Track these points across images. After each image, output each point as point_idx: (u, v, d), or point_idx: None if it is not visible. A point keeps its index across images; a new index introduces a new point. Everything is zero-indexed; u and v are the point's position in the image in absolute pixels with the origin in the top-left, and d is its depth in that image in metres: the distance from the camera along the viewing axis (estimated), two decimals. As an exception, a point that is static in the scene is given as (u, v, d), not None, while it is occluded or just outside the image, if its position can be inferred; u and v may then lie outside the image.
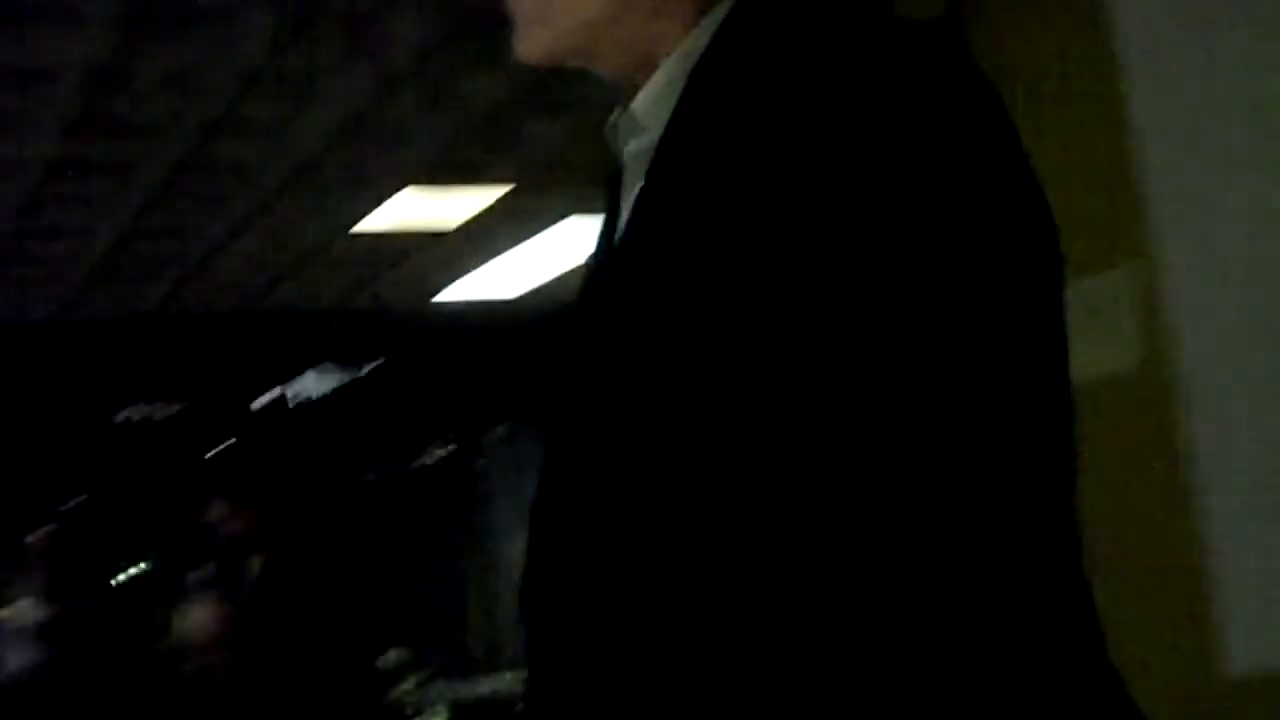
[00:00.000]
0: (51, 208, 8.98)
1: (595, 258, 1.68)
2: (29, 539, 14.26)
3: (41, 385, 12.56)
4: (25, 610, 13.85)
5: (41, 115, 7.50)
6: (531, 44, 1.73)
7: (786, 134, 1.40)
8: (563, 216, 10.00)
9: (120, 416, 14.02)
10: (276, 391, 14.46)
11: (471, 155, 8.68)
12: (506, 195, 9.40)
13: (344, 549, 14.14)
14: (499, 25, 5.35)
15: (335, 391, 14.62)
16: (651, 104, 1.63)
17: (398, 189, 9.11)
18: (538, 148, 8.66)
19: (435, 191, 9.23)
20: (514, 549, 13.91)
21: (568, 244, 10.61)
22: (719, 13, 1.60)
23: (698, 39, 1.59)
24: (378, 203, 9.35)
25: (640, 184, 1.57)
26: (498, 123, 8.21)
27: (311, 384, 14.44)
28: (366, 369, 14.59)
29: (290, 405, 14.43)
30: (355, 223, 9.78)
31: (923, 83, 1.42)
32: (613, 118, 1.69)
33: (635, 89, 1.66)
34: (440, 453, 15.13)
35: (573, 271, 11.32)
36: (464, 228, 10.03)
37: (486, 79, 7.65)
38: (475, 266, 11.23)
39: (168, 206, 9.09)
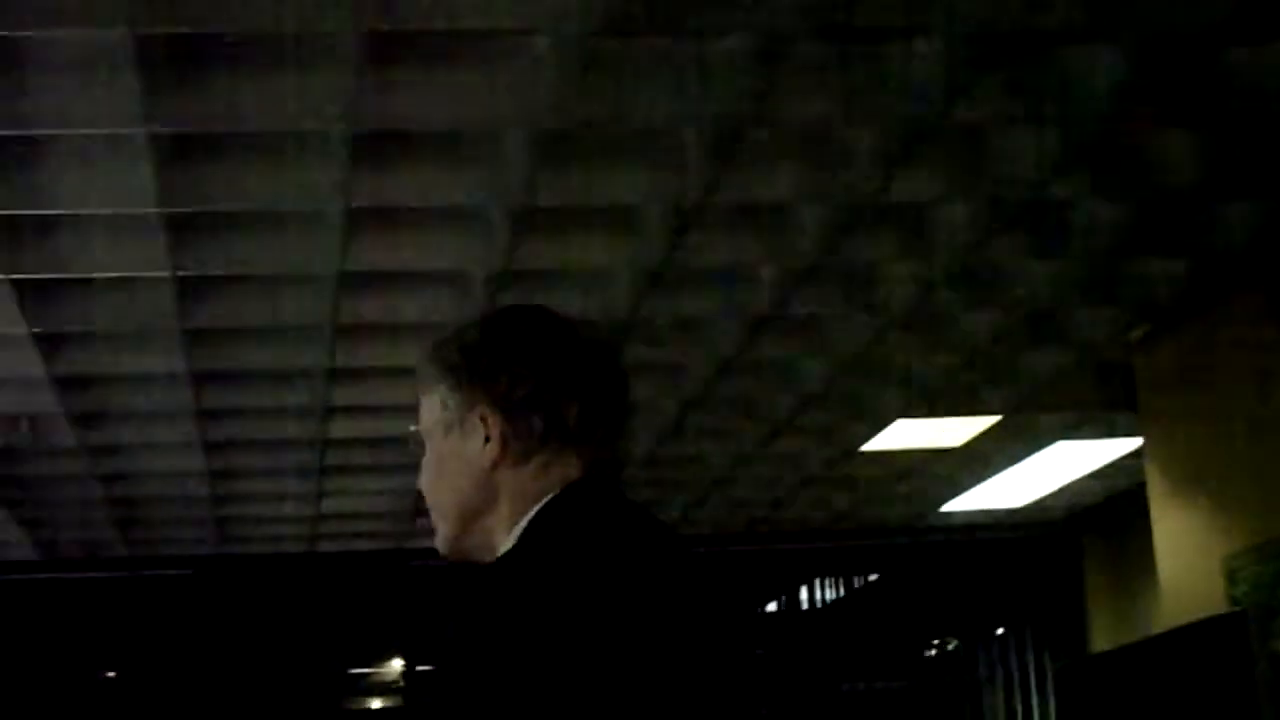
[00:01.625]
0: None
1: None
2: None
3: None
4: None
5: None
6: (438, 545, 2.57)
7: (490, 635, 2.24)
8: (1050, 442, 10.28)
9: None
10: (781, 602, 14.89)
11: (966, 386, 9.05)
12: (997, 423, 9.72)
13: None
14: (993, 267, 5.80)
15: (837, 602, 15.00)
16: None
17: (895, 419, 9.52)
18: (1027, 379, 8.97)
19: (930, 421, 9.60)
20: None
21: (1055, 466, 10.87)
22: (519, 528, 2.44)
23: (514, 536, 2.43)
24: (874, 432, 9.79)
25: None
26: (992, 356, 8.58)
27: (820, 594, 14.85)
28: (865, 580, 14.94)
29: (798, 615, 14.84)
30: (853, 451, 10.24)
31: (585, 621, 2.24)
32: None
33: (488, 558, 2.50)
34: (940, 660, 15.30)
35: (1062, 490, 11.56)
36: (955, 452, 10.38)
37: (982, 315, 8.04)
38: (965, 489, 11.56)
39: (684, 439, 9.68)
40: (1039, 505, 12.19)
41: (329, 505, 11.18)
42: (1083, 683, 8.87)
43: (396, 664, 16.02)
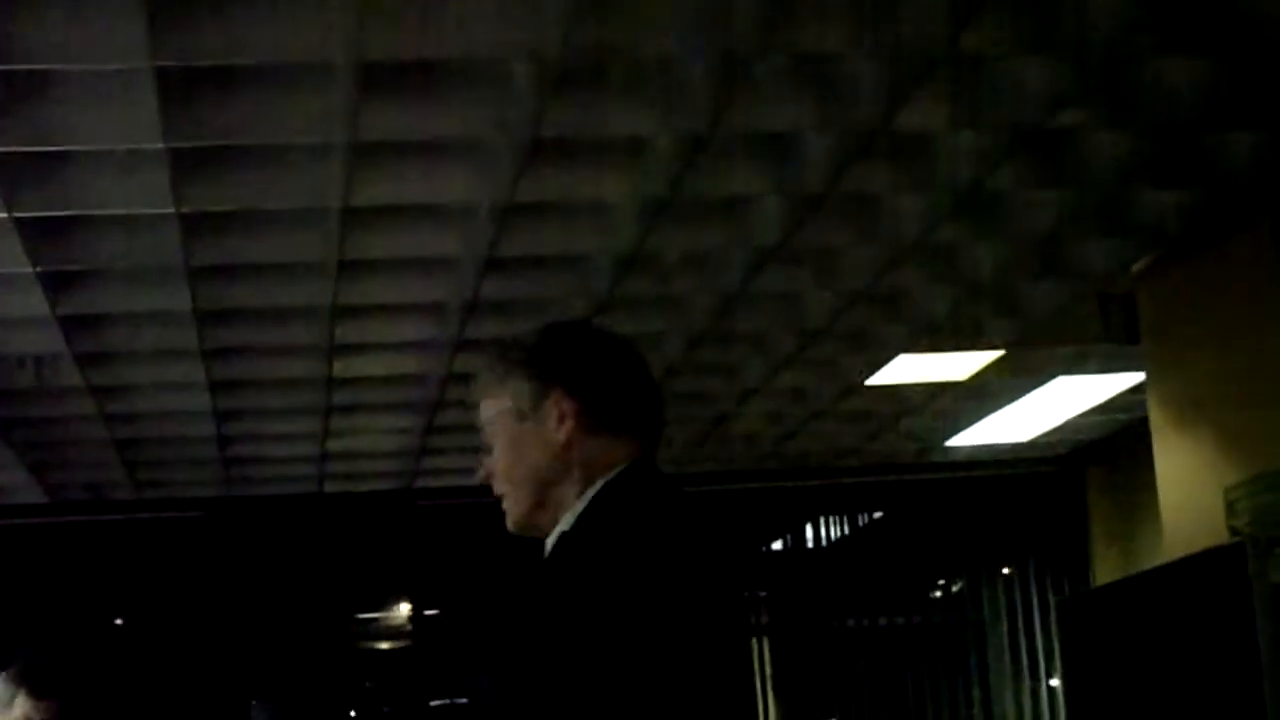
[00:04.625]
0: (581, 377, 9.67)
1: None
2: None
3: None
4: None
5: (574, 296, 8.18)
6: (510, 522, 3.06)
7: (580, 580, 2.78)
8: (1053, 376, 10.30)
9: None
10: (788, 539, 14.93)
11: (970, 320, 9.06)
12: (1001, 357, 9.74)
13: (856, 691, 14.47)
14: (998, 198, 5.80)
15: (844, 538, 15.04)
16: (549, 546, 2.96)
17: (899, 353, 9.54)
18: (1030, 313, 8.99)
19: (934, 355, 9.62)
20: (1006, 696, 14.01)
21: (1059, 401, 10.90)
22: (588, 495, 2.96)
23: (577, 508, 2.96)
24: (879, 366, 9.81)
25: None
26: (996, 289, 8.59)
27: (826, 532, 14.89)
28: (872, 516, 14.98)
29: (804, 552, 14.89)
30: (858, 385, 10.26)
31: (652, 566, 2.78)
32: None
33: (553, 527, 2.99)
34: (945, 596, 15.35)
35: (1065, 425, 11.58)
36: (959, 386, 10.41)
37: (986, 247, 8.05)
38: (969, 424, 11.60)
39: (689, 374, 9.69)
40: (1043, 440, 12.22)
41: (335, 445, 11.20)
42: (1083, 617, 8.91)
43: (404, 608, 16.05)
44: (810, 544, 15.13)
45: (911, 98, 6.13)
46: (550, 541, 2.99)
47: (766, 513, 14.18)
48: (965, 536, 14.37)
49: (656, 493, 2.99)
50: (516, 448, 3.03)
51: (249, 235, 7.24)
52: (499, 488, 3.07)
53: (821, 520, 15.01)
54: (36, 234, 6.99)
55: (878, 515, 15.04)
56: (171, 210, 6.74)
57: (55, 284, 7.64)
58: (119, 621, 14.59)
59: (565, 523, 2.98)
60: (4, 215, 6.66)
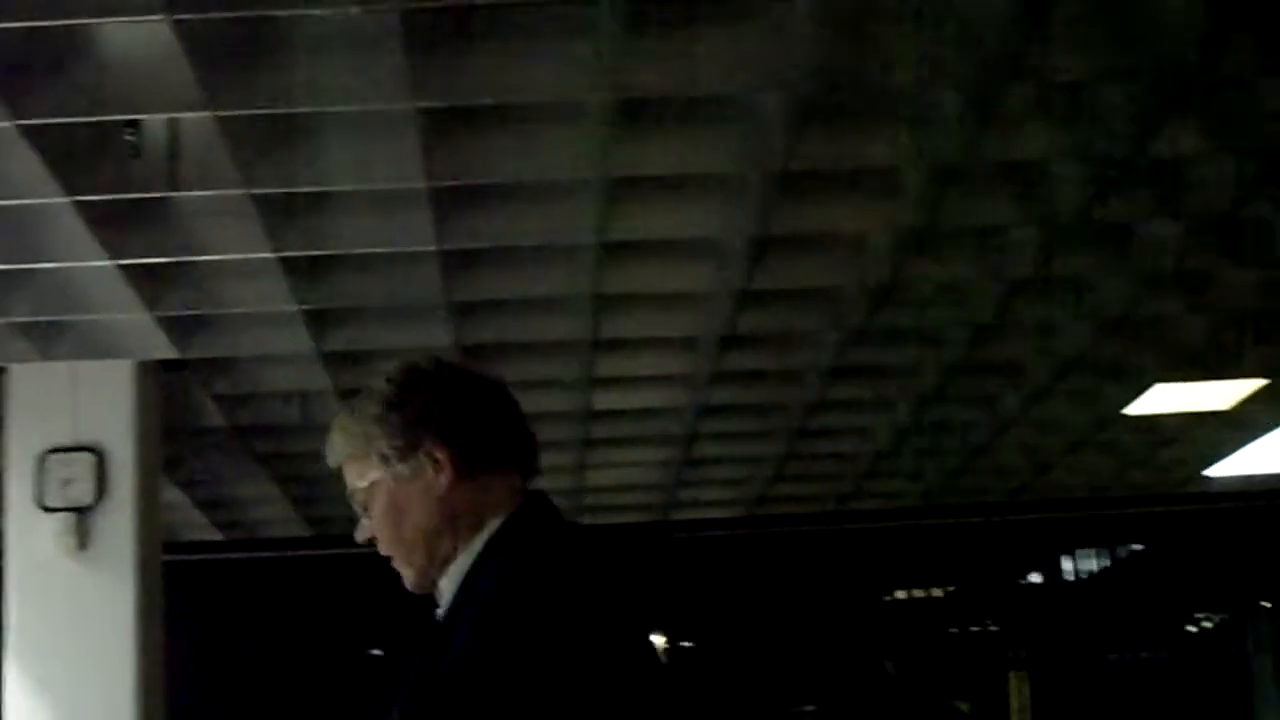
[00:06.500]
0: (835, 409, 9.70)
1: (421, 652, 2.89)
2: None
3: (821, 568, 13.29)
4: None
5: (827, 329, 8.19)
6: (408, 584, 2.97)
7: (491, 635, 2.68)
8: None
9: (892, 597, 14.62)
10: (1045, 573, 14.79)
11: (1230, 348, 8.90)
12: (1263, 386, 9.55)
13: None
14: (1256, 224, 5.68)
15: (1102, 572, 14.85)
16: (445, 590, 2.90)
17: (1157, 382, 9.40)
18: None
19: (1193, 384, 9.47)
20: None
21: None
22: (481, 539, 2.87)
23: (471, 551, 2.88)
24: (1136, 396, 9.68)
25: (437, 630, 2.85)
26: (1254, 317, 8.44)
27: (1083, 564, 14.72)
28: (1131, 549, 14.78)
29: (1061, 585, 14.73)
30: (1115, 415, 10.13)
31: (562, 626, 2.70)
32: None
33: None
34: (1208, 631, 15.07)
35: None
36: (1219, 416, 10.22)
37: (1244, 274, 7.91)
38: (1229, 454, 11.38)
39: (943, 406, 9.66)
40: (1310, 472, 11.96)
41: (593, 478, 11.32)
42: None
43: (658, 640, 16.15)
44: (1068, 577, 14.97)
45: (1165, 124, 6.06)
46: (445, 595, 2.93)
47: (1022, 546, 14.06)
48: (1227, 569, 14.11)
49: (555, 535, 2.94)
50: (398, 509, 2.94)
51: (508, 271, 7.36)
52: (386, 551, 2.99)
53: (1079, 553, 14.84)
54: (301, 272, 7.17)
55: (1135, 548, 14.83)
56: (433, 248, 6.88)
57: (319, 321, 7.83)
58: (377, 653, 14.87)
59: (458, 573, 2.91)
60: (269, 255, 6.84)
